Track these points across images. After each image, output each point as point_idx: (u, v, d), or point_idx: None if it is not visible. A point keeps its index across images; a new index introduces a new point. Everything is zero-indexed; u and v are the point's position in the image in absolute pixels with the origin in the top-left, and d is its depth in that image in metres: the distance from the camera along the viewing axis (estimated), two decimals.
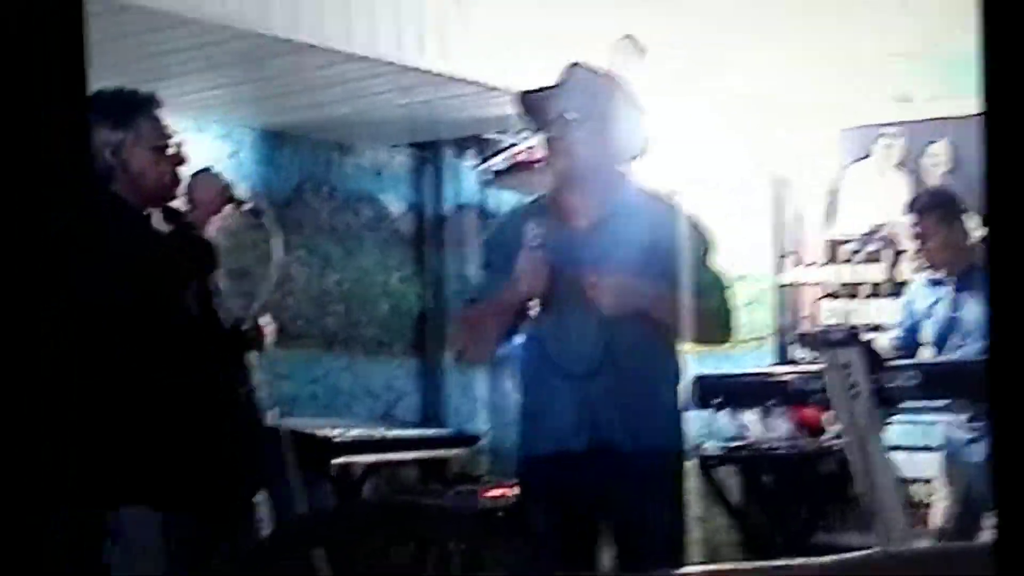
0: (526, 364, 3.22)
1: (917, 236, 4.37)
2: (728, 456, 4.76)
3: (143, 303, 2.92)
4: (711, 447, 4.68)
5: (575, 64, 3.22)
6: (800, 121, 5.73)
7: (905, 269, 5.47)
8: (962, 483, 4.33)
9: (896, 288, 5.48)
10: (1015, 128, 1.04)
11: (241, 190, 3.24)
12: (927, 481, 4.62)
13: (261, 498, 3.15)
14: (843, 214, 5.83)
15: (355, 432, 4.78)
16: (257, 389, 3.23)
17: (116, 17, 3.85)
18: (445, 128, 5.78)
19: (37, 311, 1.34)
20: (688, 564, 3.02)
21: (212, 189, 3.12)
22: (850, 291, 5.68)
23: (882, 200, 5.67)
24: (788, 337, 5.62)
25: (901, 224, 5.01)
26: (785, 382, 4.17)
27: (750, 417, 4.69)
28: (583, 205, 3.15)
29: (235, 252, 3.33)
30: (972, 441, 4.23)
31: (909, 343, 4.46)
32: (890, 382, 3.79)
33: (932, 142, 5.60)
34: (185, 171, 3.14)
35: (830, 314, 5.69)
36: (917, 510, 4.42)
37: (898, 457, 4.02)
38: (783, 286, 5.85)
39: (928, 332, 4.40)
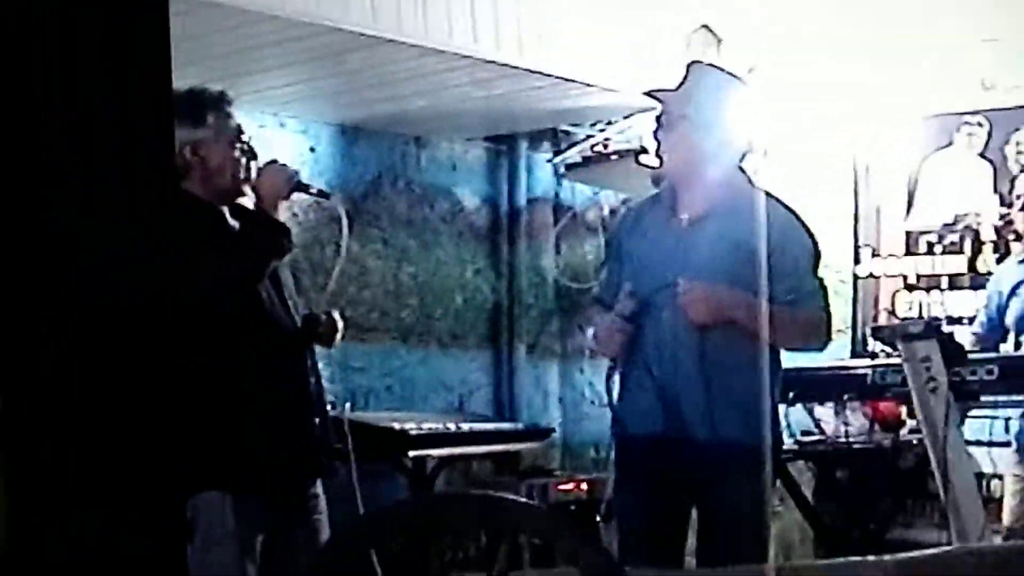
0: (624, 360, 3.26)
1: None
2: (803, 450, 4.71)
3: (220, 297, 2.97)
4: (785, 441, 4.64)
5: (695, 62, 3.32)
6: (881, 108, 5.65)
7: (987, 259, 5.38)
8: None
9: (977, 280, 5.39)
10: None
11: (308, 179, 3.29)
12: (999, 477, 4.54)
13: (319, 489, 3.20)
14: (923, 204, 5.74)
15: (429, 425, 4.81)
16: (320, 381, 3.29)
17: (198, 14, 3.92)
18: (520, 121, 5.79)
19: (125, 307, 1.37)
20: (764, 559, 3.00)
21: (280, 179, 3.17)
22: (929, 283, 5.60)
23: (964, 190, 5.58)
24: (866, 330, 5.55)
25: (985, 213, 4.95)
26: (862, 375, 4.13)
27: (825, 411, 4.65)
28: (691, 201, 3.19)
29: (304, 240, 3.38)
30: None
31: (994, 326, 4.39)
32: (970, 376, 3.74)
33: (1016, 130, 5.50)
34: (255, 166, 3.20)
35: (909, 306, 5.62)
36: (988, 506, 4.35)
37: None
38: (861, 277, 5.78)
39: (1014, 312, 4.33)
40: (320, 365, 3.35)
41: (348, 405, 3.86)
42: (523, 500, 1.88)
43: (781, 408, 4.28)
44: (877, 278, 5.75)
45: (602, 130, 5.87)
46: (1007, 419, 4.32)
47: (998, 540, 4.03)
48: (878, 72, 5.53)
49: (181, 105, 3.09)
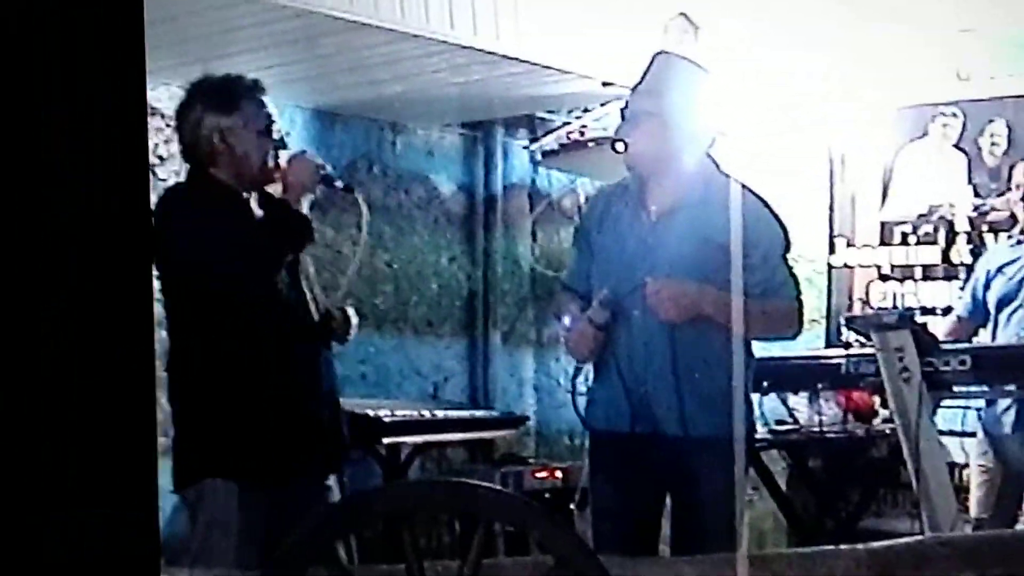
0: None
1: (1022, 183, 4.34)
2: (776, 440, 4.73)
3: (237, 284, 2.99)
4: (759, 430, 4.65)
5: (660, 53, 3.25)
6: (857, 99, 5.66)
7: (961, 250, 5.41)
8: (1000, 468, 4.28)
9: (950, 271, 5.42)
10: None
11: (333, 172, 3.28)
12: (963, 466, 4.57)
13: (332, 481, 3.21)
14: (898, 194, 5.77)
15: (403, 412, 4.80)
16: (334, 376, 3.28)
17: None
18: (497, 107, 5.77)
19: (135, 295, 1.35)
20: (737, 548, 3.01)
21: (307, 171, 3.17)
22: (904, 273, 5.62)
23: (938, 180, 5.61)
24: (840, 319, 5.57)
25: (959, 204, 4.97)
26: (836, 365, 4.15)
27: (799, 400, 4.67)
28: (660, 194, 3.17)
29: (324, 233, 3.39)
30: (1020, 428, 4.19)
31: (978, 307, 4.41)
32: (943, 366, 3.76)
33: (991, 121, 5.52)
34: (284, 155, 3.20)
35: (883, 297, 5.64)
36: (960, 496, 4.38)
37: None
38: (836, 267, 5.79)
39: (996, 291, 4.35)
40: None
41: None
42: (497, 488, 1.88)
43: (755, 397, 4.30)
44: (852, 268, 5.77)
45: (579, 117, 5.87)
46: (979, 409, 4.35)
47: (969, 530, 4.06)
48: (853, 62, 5.54)
49: (213, 92, 3.13)
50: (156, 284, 4.58)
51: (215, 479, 2.98)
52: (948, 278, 5.43)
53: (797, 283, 3.24)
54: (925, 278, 5.57)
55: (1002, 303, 4.31)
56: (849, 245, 5.77)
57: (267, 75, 4.92)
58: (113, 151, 1.35)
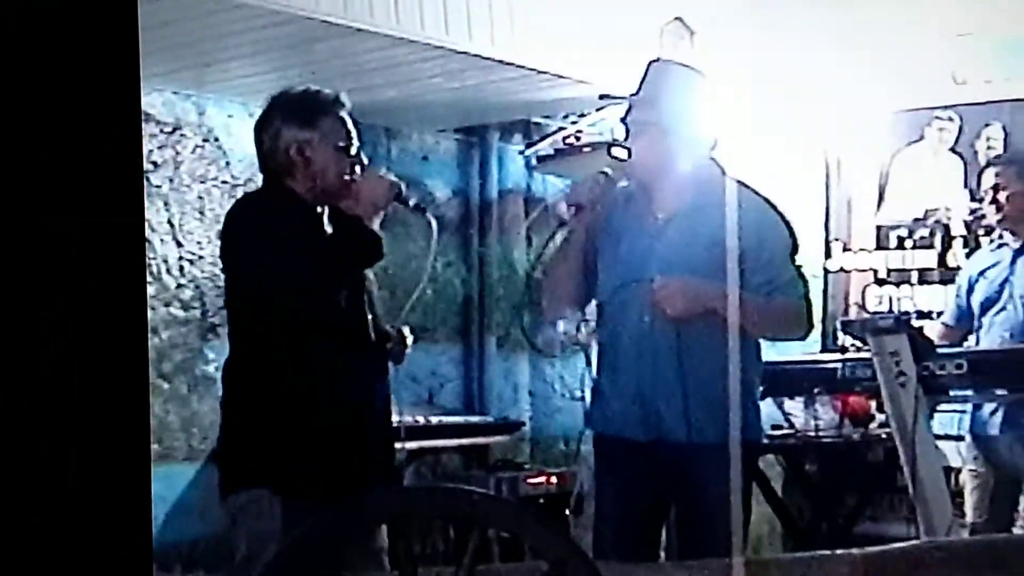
0: (598, 360, 3.25)
1: (992, 186, 4.35)
2: (772, 444, 4.73)
3: (300, 297, 2.98)
4: None
5: (655, 61, 3.26)
6: (853, 103, 5.67)
7: (957, 254, 5.41)
8: (992, 471, 4.28)
9: (946, 274, 5.42)
10: None
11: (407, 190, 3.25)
12: (959, 470, 4.57)
13: None
14: (894, 198, 5.77)
15: (398, 418, 4.79)
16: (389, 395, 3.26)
17: (167, 2, 3.88)
18: (492, 112, 5.77)
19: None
20: (734, 553, 3.01)
21: (381, 188, 3.15)
22: (900, 277, 5.63)
23: (934, 184, 5.61)
24: (836, 324, 5.58)
25: (955, 208, 4.98)
26: (832, 369, 4.15)
27: (795, 404, 4.67)
28: (665, 200, 3.17)
29: (391, 252, 3.39)
30: (1007, 429, 4.19)
31: (963, 313, 4.42)
32: (939, 370, 3.76)
33: (987, 125, 5.53)
34: (361, 172, 3.18)
35: (879, 301, 5.64)
36: (956, 500, 4.38)
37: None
38: (832, 271, 5.80)
39: (980, 294, 4.37)
40: None
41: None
42: (492, 494, 1.88)
43: None
44: (848, 272, 5.78)
45: (574, 122, 5.86)
46: (965, 412, 4.35)
47: (966, 534, 4.05)
48: (850, 66, 5.55)
49: (293, 105, 3.14)
50: (151, 290, 4.58)
51: (260, 489, 2.95)
52: (944, 282, 5.43)
53: (806, 283, 3.25)
54: (921, 282, 5.57)
55: (985, 306, 4.33)
56: (845, 249, 5.77)
57: (260, 80, 4.94)
58: (107, 157, 1.35)
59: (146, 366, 1.39)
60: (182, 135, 5.10)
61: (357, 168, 3.16)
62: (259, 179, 3.31)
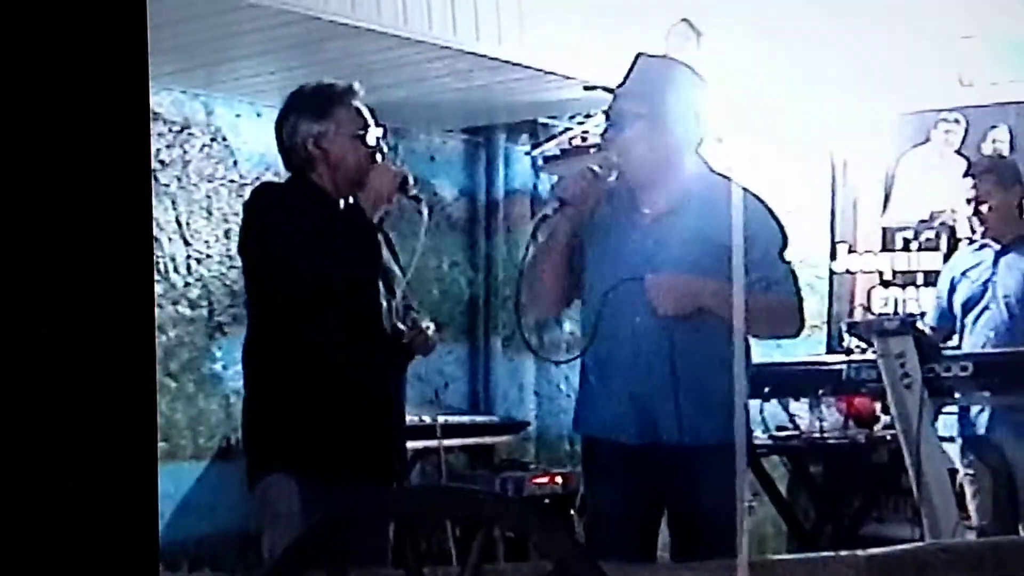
0: (587, 362, 3.19)
1: (974, 198, 4.34)
2: (777, 445, 4.73)
3: (322, 288, 3.02)
4: (760, 436, 4.66)
5: (642, 54, 3.18)
6: (859, 104, 5.66)
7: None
8: (989, 473, 4.28)
9: None
10: None
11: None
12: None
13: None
14: (900, 200, 5.77)
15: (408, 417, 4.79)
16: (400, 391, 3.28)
17: (175, 2, 3.89)
18: (499, 113, 5.78)
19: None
20: (735, 554, 3.00)
21: (387, 179, 3.15)
22: (905, 279, 5.62)
23: (940, 186, 5.61)
24: (841, 325, 5.57)
25: (961, 210, 4.96)
26: (837, 371, 4.15)
27: (800, 406, 4.66)
28: (653, 199, 3.11)
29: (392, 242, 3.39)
30: (995, 429, 4.19)
31: (945, 315, 4.43)
32: (944, 372, 3.76)
33: (993, 127, 5.52)
34: (382, 159, 3.20)
35: (884, 302, 5.64)
36: (960, 502, 4.37)
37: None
38: (837, 273, 5.79)
39: (961, 295, 4.37)
40: None
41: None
42: (497, 493, 1.89)
43: (755, 404, 4.30)
44: (853, 274, 5.77)
45: (581, 123, 5.87)
46: (952, 414, 4.35)
47: (970, 536, 4.05)
48: (856, 68, 5.54)
49: (306, 99, 3.17)
50: (159, 288, 4.59)
51: (279, 474, 3.01)
52: None
53: (796, 280, 3.18)
54: (927, 284, 5.56)
55: (967, 307, 4.34)
56: (851, 251, 5.76)
57: (269, 80, 4.96)
58: (115, 155, 1.35)
59: (153, 364, 1.40)
60: (190, 134, 5.12)
61: (377, 156, 3.18)
62: (265, 179, 3.33)
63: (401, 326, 3.22)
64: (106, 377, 1.33)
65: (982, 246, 4.40)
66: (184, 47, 4.41)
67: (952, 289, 4.42)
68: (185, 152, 5.10)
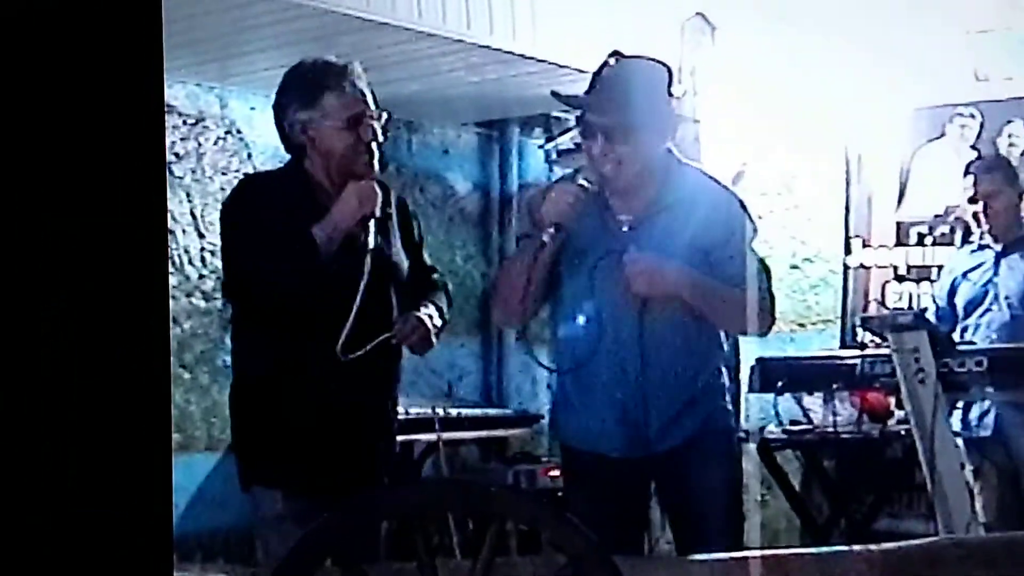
0: (564, 359, 3.15)
1: (975, 196, 4.33)
2: (790, 440, 4.72)
3: (290, 295, 2.89)
4: (773, 430, 4.65)
5: (613, 54, 3.03)
6: (874, 99, 5.64)
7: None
8: (994, 470, 4.27)
9: None
10: None
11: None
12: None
13: None
14: (915, 195, 5.75)
15: (417, 410, 4.80)
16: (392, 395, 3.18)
17: None
18: (512, 106, 5.78)
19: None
20: (747, 548, 3.00)
21: (360, 194, 2.97)
22: (920, 274, 5.61)
23: (955, 181, 5.59)
24: (855, 320, 5.56)
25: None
26: (851, 365, 4.14)
27: (814, 400, 4.65)
28: (628, 201, 3.03)
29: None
30: (995, 425, 4.18)
31: (945, 315, 4.42)
32: (958, 367, 3.75)
33: (1009, 122, 5.50)
34: (383, 136, 3.04)
35: (899, 297, 5.62)
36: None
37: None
38: (852, 268, 5.78)
39: (963, 296, 4.36)
40: None
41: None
42: (510, 486, 1.89)
43: (769, 398, 4.29)
44: (868, 268, 5.76)
45: None
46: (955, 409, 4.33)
47: (983, 531, 4.04)
48: (871, 63, 5.53)
49: (297, 82, 3.01)
50: (173, 280, 4.59)
51: (262, 487, 2.97)
52: None
53: (769, 274, 3.12)
54: None
55: (969, 308, 4.34)
56: (865, 245, 5.75)
57: (282, 73, 4.96)
58: (129, 148, 1.36)
59: (168, 356, 1.40)
60: (205, 127, 5.13)
61: (373, 145, 3.00)
62: None
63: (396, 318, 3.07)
64: (121, 368, 1.33)
65: (982, 247, 4.39)
66: (199, 41, 4.42)
67: (952, 291, 4.41)
68: (200, 145, 5.11)
